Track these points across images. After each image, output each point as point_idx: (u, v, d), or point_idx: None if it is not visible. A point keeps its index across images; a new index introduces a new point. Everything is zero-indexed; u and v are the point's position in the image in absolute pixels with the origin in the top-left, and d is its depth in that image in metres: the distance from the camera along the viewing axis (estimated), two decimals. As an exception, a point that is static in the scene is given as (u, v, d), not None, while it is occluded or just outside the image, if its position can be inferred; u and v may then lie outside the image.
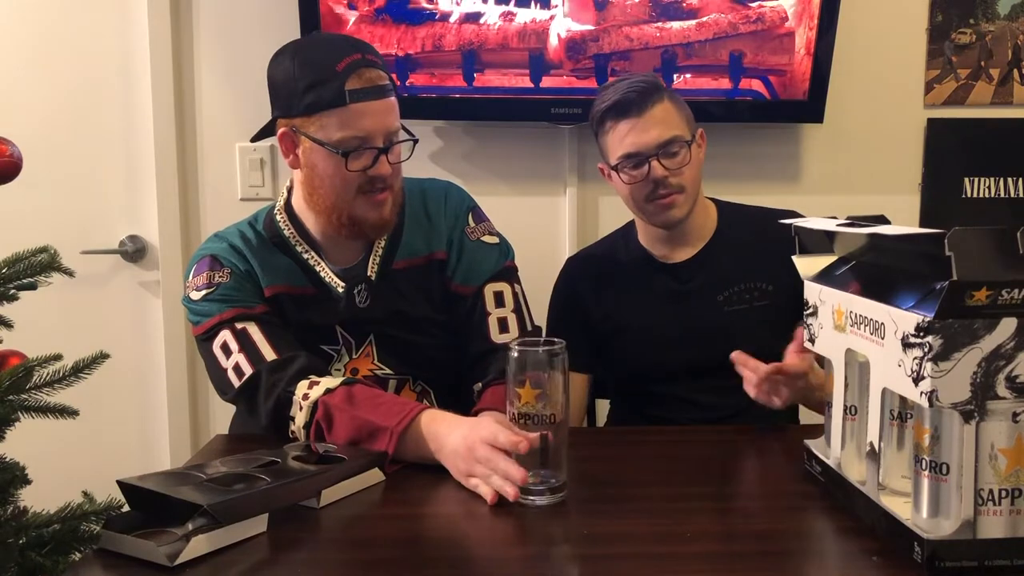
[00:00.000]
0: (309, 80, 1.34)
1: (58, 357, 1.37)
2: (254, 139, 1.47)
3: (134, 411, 2.36)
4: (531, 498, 1.11)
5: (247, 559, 0.98)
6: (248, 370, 1.35)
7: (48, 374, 1.35)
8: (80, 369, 1.38)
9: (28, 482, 1.35)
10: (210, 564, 0.95)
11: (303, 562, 0.99)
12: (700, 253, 1.71)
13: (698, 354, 1.64)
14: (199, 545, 0.96)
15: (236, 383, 1.36)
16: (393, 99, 1.40)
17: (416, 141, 1.45)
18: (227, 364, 1.37)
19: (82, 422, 1.43)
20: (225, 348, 1.38)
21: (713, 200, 1.77)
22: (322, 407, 1.29)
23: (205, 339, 1.41)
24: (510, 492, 1.10)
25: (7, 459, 1.34)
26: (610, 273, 1.75)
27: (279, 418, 1.33)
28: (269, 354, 1.36)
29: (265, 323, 1.39)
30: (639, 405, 1.75)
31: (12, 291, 1.37)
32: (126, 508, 1.07)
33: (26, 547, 1.31)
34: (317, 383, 1.32)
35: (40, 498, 1.38)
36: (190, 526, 0.97)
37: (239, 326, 1.38)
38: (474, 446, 1.16)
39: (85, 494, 1.46)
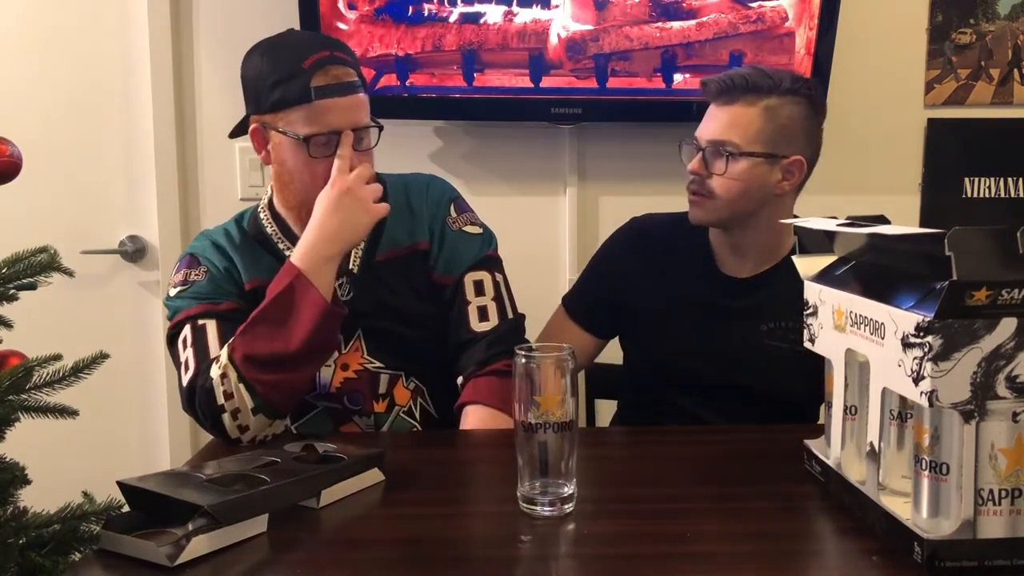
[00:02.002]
0: (276, 77, 1.36)
1: (58, 357, 1.37)
2: (231, 135, 1.49)
3: (134, 411, 2.36)
4: (538, 508, 1.06)
5: (247, 559, 0.98)
6: (192, 367, 1.35)
7: (48, 374, 1.35)
8: (80, 369, 1.38)
9: (28, 482, 1.35)
10: (210, 564, 0.95)
11: (303, 562, 0.99)
12: (759, 276, 1.61)
13: (717, 372, 1.59)
14: (199, 545, 0.96)
15: (184, 382, 1.36)
16: (362, 95, 1.40)
17: (381, 128, 1.44)
18: (182, 359, 1.38)
19: (82, 422, 1.43)
20: (184, 343, 1.38)
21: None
22: (240, 357, 1.29)
23: (172, 335, 1.41)
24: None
25: (7, 459, 1.34)
26: (668, 254, 1.67)
27: (219, 423, 1.31)
28: (215, 351, 1.35)
29: (225, 319, 1.39)
30: (646, 407, 1.70)
31: (12, 291, 1.38)
32: (126, 508, 1.07)
33: (26, 547, 1.31)
34: (217, 357, 1.32)
35: (40, 498, 1.39)
36: (190, 526, 0.97)
37: (200, 323, 1.39)
38: (338, 194, 1.34)
39: (85, 494, 1.47)
